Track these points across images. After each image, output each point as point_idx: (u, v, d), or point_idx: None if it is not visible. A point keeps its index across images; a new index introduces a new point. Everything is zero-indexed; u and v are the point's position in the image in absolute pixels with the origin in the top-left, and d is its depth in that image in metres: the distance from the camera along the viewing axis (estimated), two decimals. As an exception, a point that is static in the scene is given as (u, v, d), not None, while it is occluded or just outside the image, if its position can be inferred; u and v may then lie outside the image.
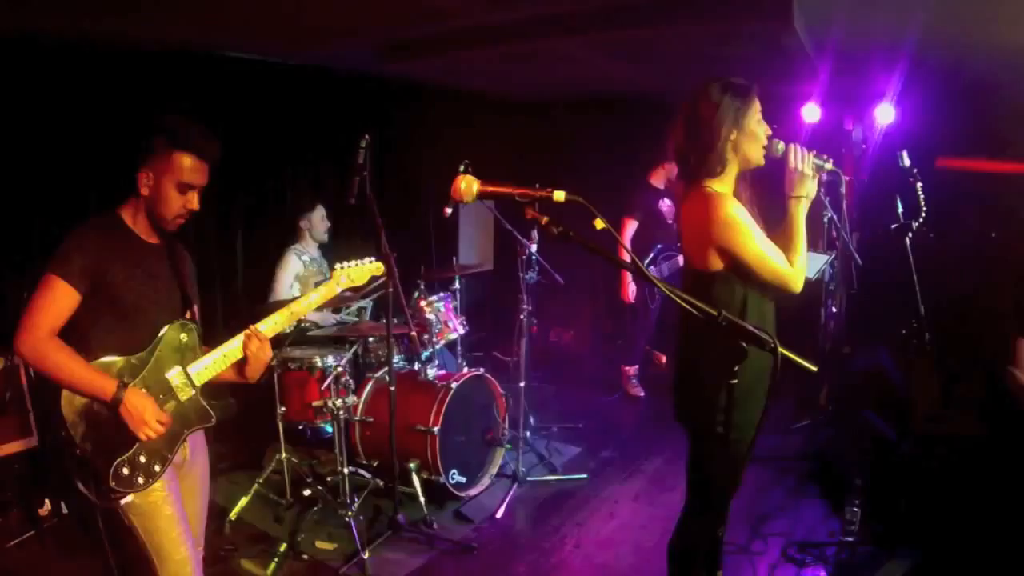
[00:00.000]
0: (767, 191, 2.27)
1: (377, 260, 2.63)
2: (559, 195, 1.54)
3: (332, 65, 4.97)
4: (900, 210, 3.91)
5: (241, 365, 2.15)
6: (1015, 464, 3.06)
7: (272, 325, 2.19)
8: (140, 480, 1.92)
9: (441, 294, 4.19)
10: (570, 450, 4.49)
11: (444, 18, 3.71)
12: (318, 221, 4.27)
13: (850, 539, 3.19)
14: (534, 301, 4.18)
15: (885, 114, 4.74)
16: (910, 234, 3.81)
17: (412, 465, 3.59)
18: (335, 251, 4.45)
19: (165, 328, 2.02)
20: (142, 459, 1.93)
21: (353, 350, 3.89)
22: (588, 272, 7.11)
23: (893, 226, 3.90)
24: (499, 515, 3.63)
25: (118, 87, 3.86)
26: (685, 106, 2.14)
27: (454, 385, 3.68)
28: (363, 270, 2.55)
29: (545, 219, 1.57)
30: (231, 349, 2.10)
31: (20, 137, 3.56)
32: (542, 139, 6.77)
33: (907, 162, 3.91)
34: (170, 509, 1.99)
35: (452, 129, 5.72)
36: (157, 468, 1.96)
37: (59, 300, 1.88)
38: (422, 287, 4.21)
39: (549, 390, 5.69)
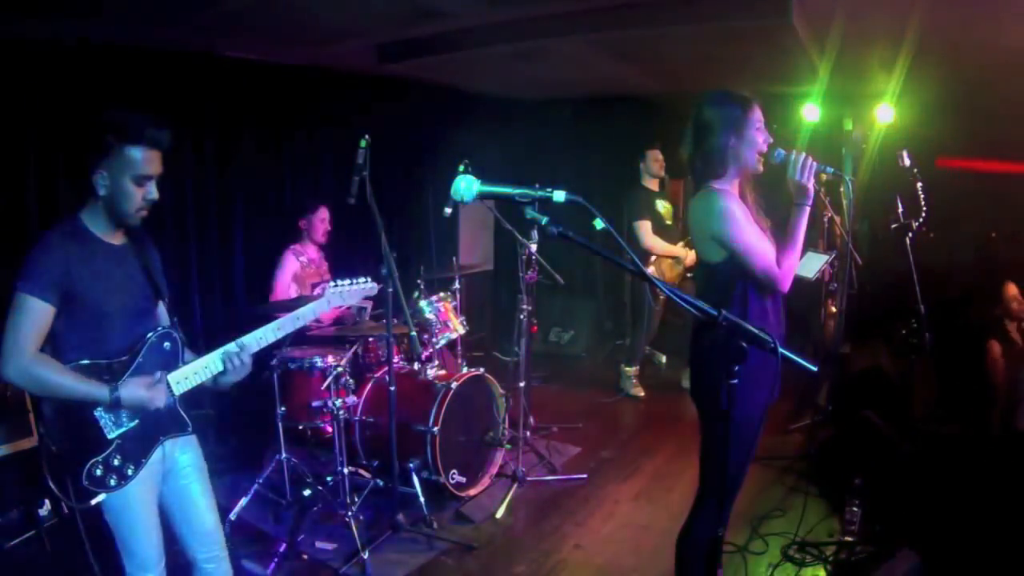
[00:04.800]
0: (772, 196, 2.40)
1: (372, 280, 2.63)
2: (559, 195, 1.55)
3: (332, 65, 4.97)
4: (900, 210, 3.91)
5: (217, 375, 2.14)
6: (1014, 463, 3.06)
7: (259, 341, 2.18)
8: (113, 482, 1.95)
9: (441, 294, 4.19)
10: (570, 450, 4.49)
11: (444, 18, 3.71)
12: (317, 223, 4.27)
13: (850, 539, 3.19)
14: (534, 301, 4.18)
15: (885, 114, 4.75)
16: (910, 234, 3.82)
17: (412, 465, 3.59)
18: (336, 251, 4.45)
19: (150, 335, 2.06)
20: (116, 461, 1.97)
21: (353, 350, 3.89)
22: (588, 272, 7.13)
23: (893, 226, 3.91)
24: (499, 515, 3.63)
25: (116, 87, 3.85)
26: (693, 114, 2.29)
27: (454, 385, 3.68)
28: (356, 290, 2.55)
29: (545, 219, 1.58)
30: (213, 363, 2.10)
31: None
32: (542, 139, 6.77)
33: (907, 162, 3.92)
34: (143, 511, 2.03)
35: (452, 129, 5.71)
36: (130, 471, 1.99)
37: (35, 318, 1.89)
38: (422, 287, 4.21)
39: (549, 390, 5.69)
